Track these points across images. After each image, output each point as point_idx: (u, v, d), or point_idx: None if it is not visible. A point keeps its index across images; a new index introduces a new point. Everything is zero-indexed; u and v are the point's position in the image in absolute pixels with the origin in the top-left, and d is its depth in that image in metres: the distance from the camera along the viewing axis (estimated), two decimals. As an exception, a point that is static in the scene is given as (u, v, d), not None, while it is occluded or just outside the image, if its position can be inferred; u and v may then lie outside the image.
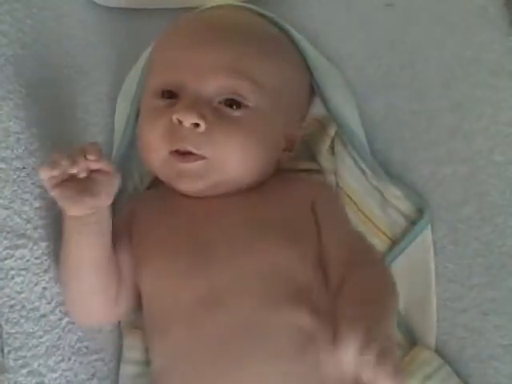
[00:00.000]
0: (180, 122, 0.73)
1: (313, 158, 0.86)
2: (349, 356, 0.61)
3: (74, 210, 0.68)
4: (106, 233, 0.72)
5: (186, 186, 0.76)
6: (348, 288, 0.69)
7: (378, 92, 0.88)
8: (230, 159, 0.75)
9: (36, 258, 0.71)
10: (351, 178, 0.85)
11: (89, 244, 0.70)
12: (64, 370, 0.71)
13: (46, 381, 0.69)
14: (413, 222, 0.83)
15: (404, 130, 0.87)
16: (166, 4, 0.92)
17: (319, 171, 0.86)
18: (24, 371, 0.67)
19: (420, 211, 0.83)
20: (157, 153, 0.76)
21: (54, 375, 0.70)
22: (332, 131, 0.85)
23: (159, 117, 0.75)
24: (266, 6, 0.89)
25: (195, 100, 0.74)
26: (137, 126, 0.84)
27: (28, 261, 0.70)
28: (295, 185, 0.81)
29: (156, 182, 0.84)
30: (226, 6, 0.86)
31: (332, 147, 0.86)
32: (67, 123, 0.81)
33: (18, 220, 0.70)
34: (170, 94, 0.76)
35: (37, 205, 0.73)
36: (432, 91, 0.87)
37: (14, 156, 0.72)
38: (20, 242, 0.70)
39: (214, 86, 0.75)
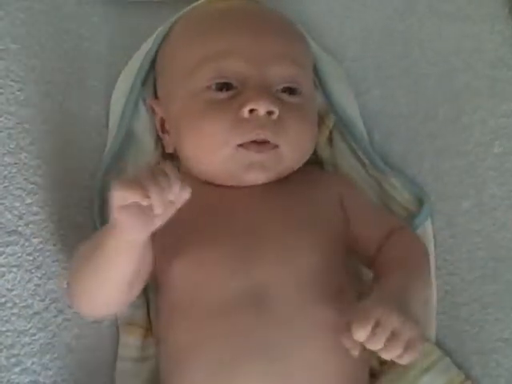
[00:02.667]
0: (251, 111, 0.72)
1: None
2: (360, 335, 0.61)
3: (134, 235, 0.63)
4: (148, 251, 0.69)
5: (253, 178, 0.75)
6: (384, 254, 0.73)
7: (375, 83, 0.88)
8: (298, 145, 0.76)
9: (28, 255, 0.70)
10: (350, 169, 0.85)
11: (129, 262, 0.67)
12: (59, 368, 0.71)
13: (41, 379, 0.68)
14: (412, 215, 0.82)
15: (402, 122, 0.86)
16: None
17: (316, 162, 0.86)
18: (17, 369, 0.66)
19: (420, 203, 0.82)
20: (222, 148, 0.73)
21: (49, 373, 0.69)
22: (331, 122, 0.85)
23: (223, 110, 0.73)
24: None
25: (262, 89, 0.73)
26: (132, 121, 0.84)
27: (20, 257, 0.69)
28: (315, 174, 0.82)
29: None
30: None
31: (330, 139, 0.86)
32: (59, 118, 0.80)
33: (10, 216, 0.69)
34: (223, 85, 0.74)
35: (29, 201, 0.72)
36: (430, 82, 0.86)
37: (5, 151, 0.71)
38: (11, 238, 0.69)
39: (276, 73, 0.75)
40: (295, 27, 0.83)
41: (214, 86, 0.75)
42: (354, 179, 0.84)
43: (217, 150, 0.74)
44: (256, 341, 0.68)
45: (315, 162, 0.86)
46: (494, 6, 0.85)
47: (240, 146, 0.73)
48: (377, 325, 0.61)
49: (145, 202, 0.59)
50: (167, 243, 0.73)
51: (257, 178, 0.75)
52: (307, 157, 0.79)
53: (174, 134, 0.80)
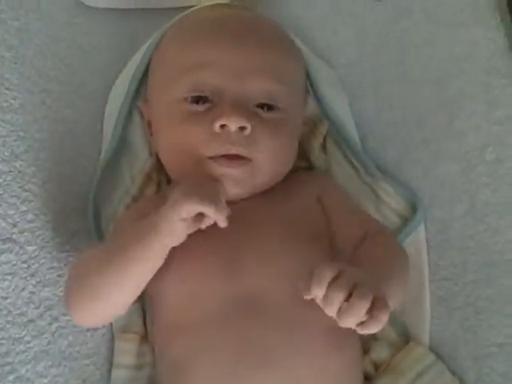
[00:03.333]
0: (223, 126, 0.71)
1: (303, 155, 0.86)
2: (319, 285, 0.60)
3: (176, 242, 0.68)
4: None
5: (227, 191, 0.74)
6: (359, 253, 0.72)
7: (369, 89, 0.88)
8: (272, 161, 0.74)
9: (23, 262, 0.70)
10: (344, 175, 0.85)
11: (154, 267, 0.69)
12: (54, 376, 0.71)
13: (36, 386, 0.68)
14: (406, 220, 0.83)
15: (396, 128, 0.87)
16: (155, 4, 0.91)
17: (310, 169, 0.86)
18: (11, 377, 0.66)
19: (413, 209, 0.83)
20: (193, 159, 0.73)
21: (44, 381, 0.70)
22: (324, 129, 0.85)
23: (197, 123, 0.73)
24: (256, 5, 0.88)
25: (236, 103, 0.72)
26: (126, 129, 0.84)
27: (14, 265, 0.69)
28: (296, 179, 0.81)
29: (148, 183, 0.84)
30: (226, 5, 0.84)
31: (324, 145, 0.86)
32: (54, 126, 0.80)
33: (4, 224, 0.70)
34: (200, 97, 0.74)
35: (23, 208, 0.72)
36: (424, 88, 0.86)
37: None
38: (5, 246, 0.69)
39: (254, 88, 0.74)
40: (283, 37, 0.81)
41: (190, 98, 0.75)
42: (348, 185, 0.84)
43: (187, 160, 0.74)
44: (253, 348, 0.68)
45: (309, 169, 0.86)
46: (487, 14, 0.85)
47: (211, 158, 0.73)
48: (337, 276, 0.60)
49: (210, 220, 0.64)
50: None
51: (230, 191, 0.74)
52: (286, 170, 0.78)
53: (155, 138, 0.80)
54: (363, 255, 0.72)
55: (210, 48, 0.75)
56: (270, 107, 0.75)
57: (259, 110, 0.74)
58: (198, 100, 0.74)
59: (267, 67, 0.75)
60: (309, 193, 0.79)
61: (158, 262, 0.69)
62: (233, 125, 0.71)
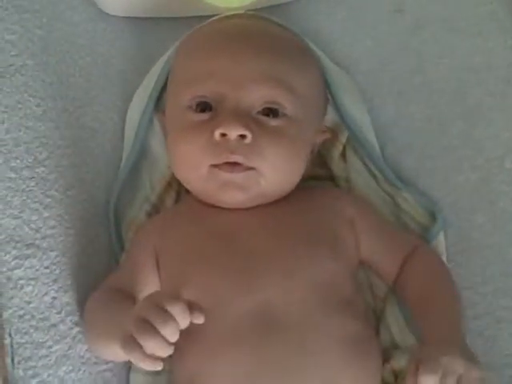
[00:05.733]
0: (223, 135, 0.72)
1: (323, 164, 0.86)
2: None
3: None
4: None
5: (230, 197, 0.75)
6: (409, 277, 0.75)
7: (389, 98, 0.88)
8: (277, 169, 0.74)
9: (45, 268, 0.71)
10: (363, 184, 0.85)
11: None
12: (74, 381, 0.71)
13: (57, 391, 0.69)
14: (425, 229, 0.83)
15: (415, 136, 0.86)
16: (176, 13, 0.92)
17: (330, 178, 0.86)
18: (34, 381, 0.66)
19: (433, 217, 0.83)
20: (197, 167, 0.74)
21: (64, 385, 0.70)
22: (344, 138, 0.85)
23: (199, 132, 0.73)
24: (276, 14, 0.89)
25: (237, 111, 0.73)
26: (147, 136, 0.85)
27: (37, 270, 0.70)
28: (321, 193, 0.81)
29: (168, 191, 0.84)
30: (242, 15, 0.85)
31: (344, 154, 0.86)
32: (76, 133, 0.81)
33: (27, 230, 0.70)
34: (205, 106, 0.75)
35: (46, 214, 0.73)
36: (443, 97, 0.86)
37: (23, 166, 0.72)
38: (29, 251, 0.70)
39: (254, 95, 0.74)
40: (293, 45, 0.81)
41: (194, 107, 0.75)
42: (367, 194, 0.84)
43: (192, 168, 0.75)
44: (269, 361, 0.68)
45: (329, 177, 0.86)
46: (506, 23, 0.86)
47: (214, 166, 0.73)
48: (444, 375, 0.61)
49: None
50: (173, 273, 0.74)
51: (234, 197, 0.74)
52: (295, 178, 0.78)
53: (167, 147, 0.81)
54: (416, 278, 0.75)
55: (210, 58, 0.76)
56: (275, 114, 0.75)
57: (264, 118, 0.74)
58: (203, 109, 0.75)
59: (267, 74, 0.74)
60: (341, 211, 0.78)
61: None
62: (232, 133, 0.71)
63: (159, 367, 0.60)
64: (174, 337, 0.60)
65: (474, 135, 0.84)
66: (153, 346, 0.59)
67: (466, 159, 0.84)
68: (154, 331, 0.59)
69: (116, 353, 0.64)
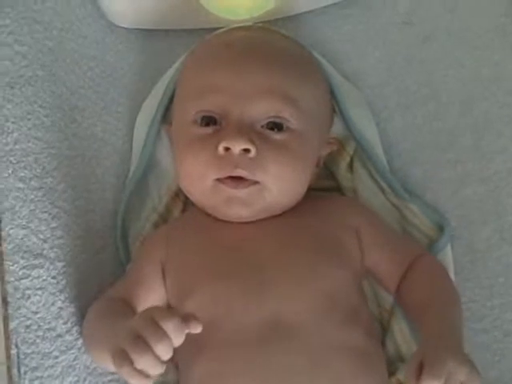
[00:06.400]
0: (227, 149, 0.72)
1: (330, 176, 0.86)
2: None
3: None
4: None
5: (235, 213, 0.75)
6: (410, 284, 0.74)
7: (396, 111, 0.88)
8: (281, 183, 0.74)
9: (52, 278, 0.71)
10: (370, 196, 0.85)
11: None
12: (79, 391, 0.71)
13: (62, 402, 0.69)
14: (432, 241, 0.82)
15: (423, 149, 0.86)
16: (184, 25, 0.92)
17: (337, 189, 0.86)
18: (39, 392, 0.67)
19: (440, 229, 0.83)
20: (202, 181, 0.74)
21: (70, 396, 0.70)
22: (351, 149, 0.85)
23: (203, 146, 0.74)
24: (284, 26, 0.89)
25: (240, 125, 0.73)
26: (155, 147, 0.85)
27: (44, 280, 0.70)
28: (327, 203, 0.81)
29: (175, 201, 0.85)
30: (250, 28, 0.85)
31: (351, 165, 0.86)
32: (85, 143, 0.81)
33: (35, 240, 0.71)
34: (209, 120, 0.75)
35: (54, 224, 0.73)
36: (450, 110, 0.86)
37: (31, 176, 0.73)
38: (37, 261, 0.70)
39: (259, 110, 0.74)
40: (298, 58, 0.80)
41: (198, 120, 0.75)
42: (374, 205, 0.84)
43: (197, 182, 0.75)
44: (277, 371, 0.68)
45: (336, 188, 0.86)
46: (514, 35, 0.86)
47: (218, 180, 0.74)
48: (447, 381, 0.61)
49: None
50: (180, 283, 0.75)
51: (239, 213, 0.74)
52: (300, 191, 0.78)
53: (174, 160, 0.82)
54: (417, 286, 0.75)
55: (214, 72, 0.76)
56: (279, 128, 0.75)
57: (268, 132, 0.74)
58: (208, 123, 0.75)
59: (271, 88, 0.74)
60: (345, 220, 0.78)
61: None
62: (236, 147, 0.72)
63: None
64: (166, 355, 0.58)
65: (482, 148, 0.84)
66: (144, 363, 0.58)
67: (473, 172, 0.84)
68: (146, 348, 0.58)
69: (109, 364, 0.63)
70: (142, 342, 0.58)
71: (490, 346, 0.78)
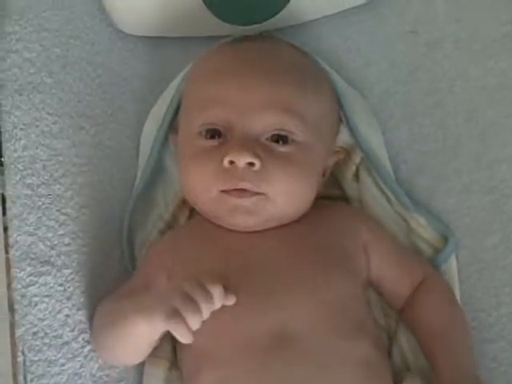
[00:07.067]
0: (232, 162, 0.72)
1: (336, 184, 0.86)
2: None
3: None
4: None
5: (240, 222, 0.75)
6: (419, 308, 0.76)
7: (402, 120, 0.88)
8: (286, 195, 0.74)
9: (59, 285, 0.71)
10: (376, 205, 0.84)
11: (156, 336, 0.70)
12: (85, 399, 0.71)
13: (68, 409, 0.69)
14: (437, 251, 0.82)
15: (428, 158, 0.86)
16: (192, 33, 0.93)
17: (343, 198, 0.86)
18: (45, 400, 0.67)
19: (445, 239, 0.82)
20: (207, 192, 0.75)
21: (76, 404, 0.70)
22: (357, 158, 0.85)
23: (209, 158, 0.74)
24: (290, 34, 0.90)
25: (245, 138, 0.73)
26: (161, 155, 0.85)
27: (51, 288, 0.70)
28: (333, 212, 0.81)
29: (182, 209, 0.85)
30: (255, 37, 0.86)
31: (357, 175, 0.86)
32: (92, 151, 0.81)
33: (42, 247, 0.71)
34: (214, 133, 0.75)
35: (61, 232, 0.73)
36: (456, 119, 0.86)
37: (39, 183, 0.73)
38: (44, 268, 0.70)
39: (263, 123, 0.74)
40: (303, 68, 0.80)
41: (203, 133, 0.76)
42: (380, 215, 0.84)
43: (202, 193, 0.75)
44: (284, 381, 0.68)
45: (342, 198, 0.86)
46: (519, 44, 0.86)
47: (223, 191, 0.74)
48: None
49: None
50: None
51: (245, 222, 0.75)
52: (306, 202, 0.78)
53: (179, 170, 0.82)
54: (426, 312, 0.76)
55: (219, 84, 0.76)
56: (284, 141, 0.75)
57: (273, 144, 0.74)
58: (213, 135, 0.75)
59: (276, 101, 0.74)
60: (352, 231, 0.79)
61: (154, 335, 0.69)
62: (240, 161, 0.72)
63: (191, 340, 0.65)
64: (207, 315, 0.65)
65: (488, 157, 0.84)
66: (195, 321, 0.64)
67: (479, 181, 0.84)
68: (197, 307, 0.64)
69: (137, 334, 0.68)
70: (194, 302, 0.64)
71: (497, 355, 0.77)
